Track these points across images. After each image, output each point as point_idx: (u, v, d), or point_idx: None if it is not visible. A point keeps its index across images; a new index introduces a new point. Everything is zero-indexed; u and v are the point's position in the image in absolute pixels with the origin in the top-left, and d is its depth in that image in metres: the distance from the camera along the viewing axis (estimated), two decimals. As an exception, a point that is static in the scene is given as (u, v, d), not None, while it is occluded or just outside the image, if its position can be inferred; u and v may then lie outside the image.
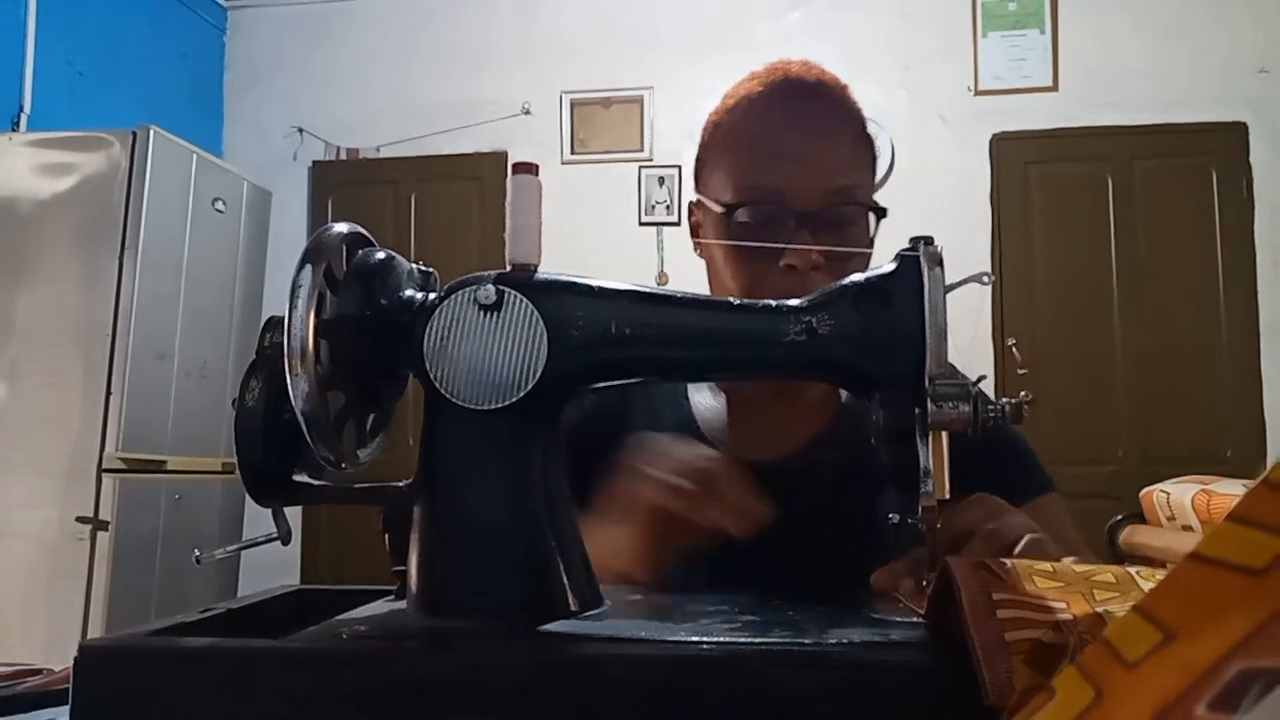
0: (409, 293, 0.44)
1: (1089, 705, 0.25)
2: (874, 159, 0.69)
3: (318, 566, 2.98)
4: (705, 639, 0.37)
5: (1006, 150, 2.99)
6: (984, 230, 2.97)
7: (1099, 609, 0.33)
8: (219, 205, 2.62)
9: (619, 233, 3.13)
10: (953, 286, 0.41)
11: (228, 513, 2.60)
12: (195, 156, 2.54)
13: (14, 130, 2.56)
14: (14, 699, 0.54)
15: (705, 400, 0.73)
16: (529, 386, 0.42)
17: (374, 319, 0.43)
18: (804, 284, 0.58)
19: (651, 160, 3.17)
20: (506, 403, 0.42)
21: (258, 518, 0.45)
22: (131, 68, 2.99)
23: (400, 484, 0.44)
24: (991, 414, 0.39)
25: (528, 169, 0.44)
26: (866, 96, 0.71)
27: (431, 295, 0.44)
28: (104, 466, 2.24)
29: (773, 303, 0.44)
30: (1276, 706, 0.21)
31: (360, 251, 0.45)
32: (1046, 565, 0.37)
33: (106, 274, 2.30)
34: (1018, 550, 0.44)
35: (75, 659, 0.37)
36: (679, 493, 0.53)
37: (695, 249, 0.73)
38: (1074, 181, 2.96)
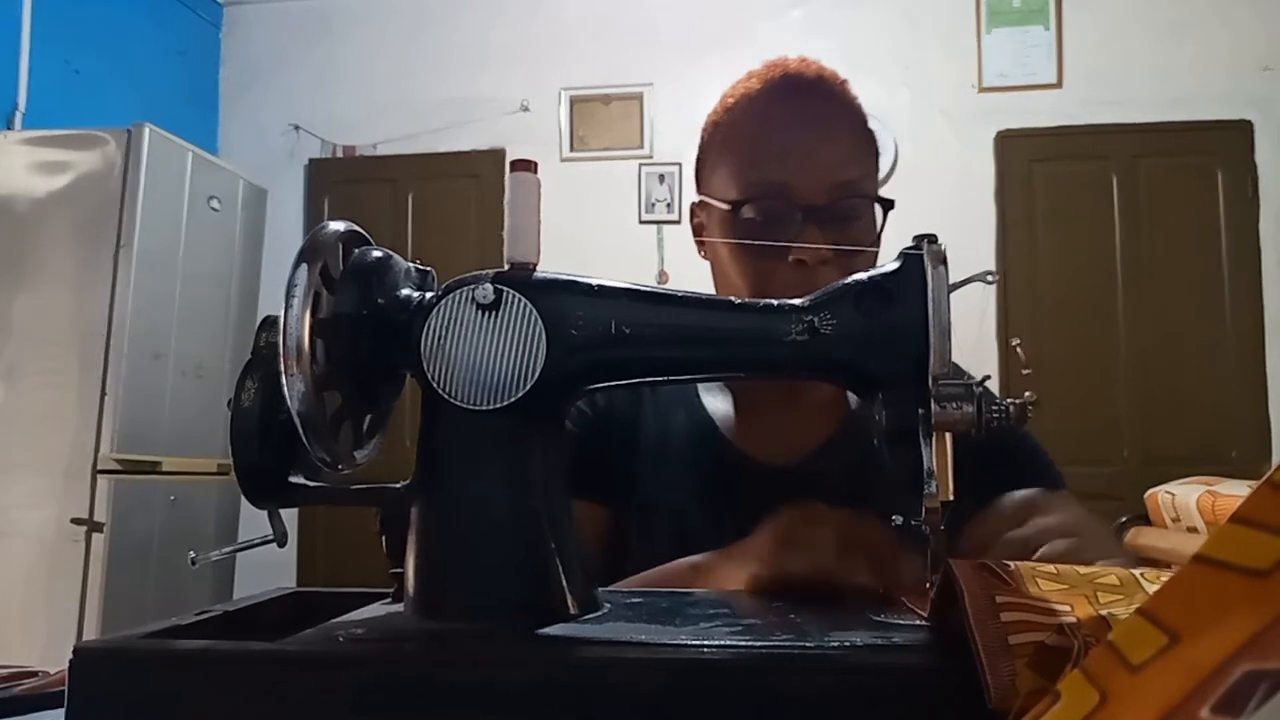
0: (406, 292, 0.44)
1: (1094, 709, 0.25)
2: (877, 153, 0.69)
3: (314, 568, 2.97)
4: (706, 642, 0.37)
5: (1010, 148, 2.99)
6: (988, 228, 2.97)
7: (1103, 611, 0.32)
8: (215, 203, 2.61)
9: (619, 231, 3.12)
10: (956, 285, 0.41)
11: (223, 514, 2.60)
12: (191, 154, 2.53)
13: (9, 128, 2.55)
14: (9, 701, 0.53)
15: (718, 400, 0.73)
16: (527, 386, 0.41)
17: (371, 318, 0.42)
18: (813, 279, 0.58)
19: (651, 158, 3.17)
20: (505, 403, 0.41)
21: (253, 519, 0.45)
22: (127, 65, 2.98)
23: (397, 485, 0.44)
24: (996, 414, 0.39)
25: (526, 167, 0.44)
26: (868, 94, 0.71)
27: (429, 294, 0.44)
28: (99, 467, 2.23)
29: (774, 302, 0.44)
30: (1283, 710, 0.20)
31: (357, 250, 0.44)
32: (1050, 568, 0.37)
33: (102, 273, 2.29)
34: (1042, 554, 0.44)
35: (70, 661, 0.36)
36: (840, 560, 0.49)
37: (700, 250, 0.72)
38: (1078, 179, 2.96)
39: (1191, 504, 0.52)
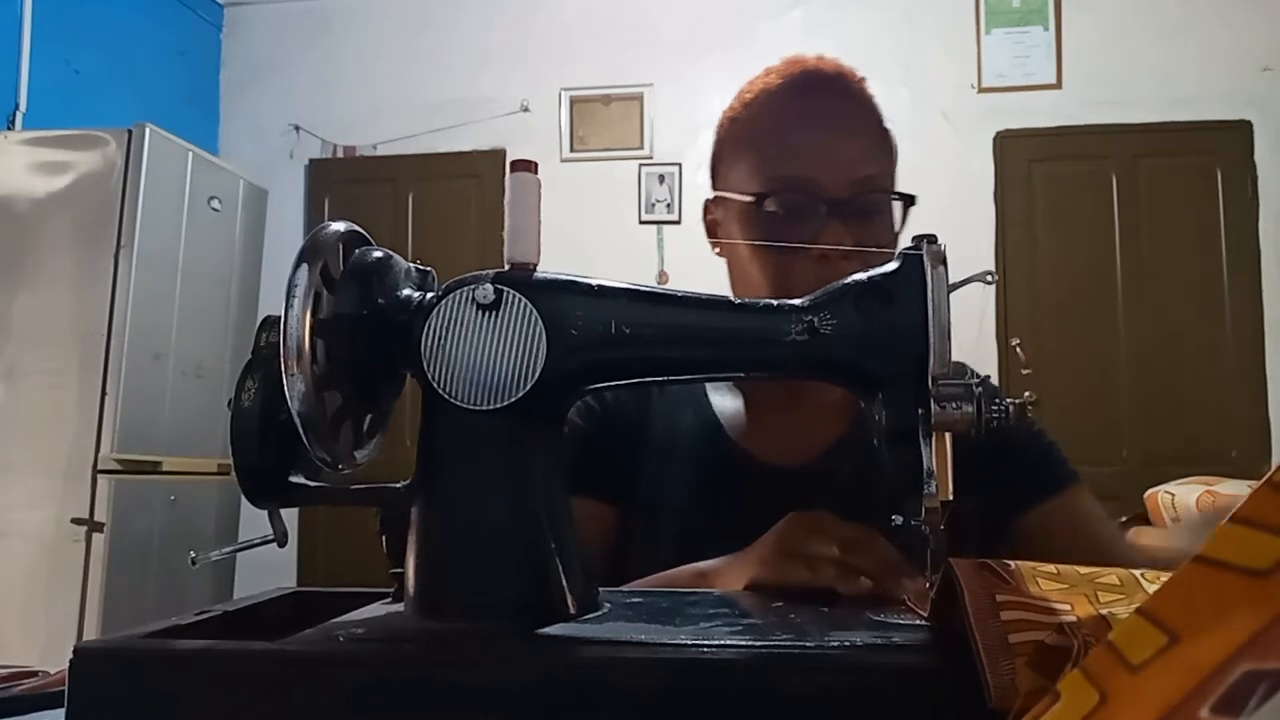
0: (406, 292, 0.44)
1: (1094, 709, 0.25)
2: (894, 151, 0.69)
3: (314, 568, 2.97)
4: (706, 642, 0.37)
5: (1010, 148, 2.98)
6: (987, 229, 2.97)
7: (1103, 611, 0.32)
8: (215, 204, 2.61)
9: (619, 231, 3.12)
10: (956, 285, 0.41)
11: (224, 514, 2.60)
12: (191, 155, 2.53)
13: (10, 128, 2.55)
14: (9, 701, 0.53)
15: (726, 400, 0.73)
16: (528, 386, 0.41)
17: (371, 318, 0.42)
18: (835, 274, 0.57)
19: (651, 158, 3.17)
20: (505, 403, 0.41)
21: (254, 519, 0.45)
22: (128, 65, 2.98)
23: (398, 485, 0.44)
24: (995, 414, 0.39)
25: (526, 167, 0.44)
26: (868, 94, 0.71)
27: (429, 294, 0.44)
28: (99, 468, 2.23)
29: (774, 302, 0.44)
30: (1283, 710, 0.21)
31: (357, 250, 0.44)
32: (1051, 567, 0.37)
33: (102, 273, 2.29)
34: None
35: (70, 661, 0.36)
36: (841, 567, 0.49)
37: (713, 248, 0.72)
38: (1078, 180, 2.96)
39: (1191, 504, 0.52)
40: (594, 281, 0.43)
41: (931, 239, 0.41)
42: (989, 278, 0.42)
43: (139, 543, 2.31)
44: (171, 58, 3.20)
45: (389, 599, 0.47)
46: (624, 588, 0.58)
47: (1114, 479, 2.62)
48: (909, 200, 0.66)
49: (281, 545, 0.44)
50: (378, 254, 0.44)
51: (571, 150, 3.20)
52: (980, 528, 0.64)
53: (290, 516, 0.46)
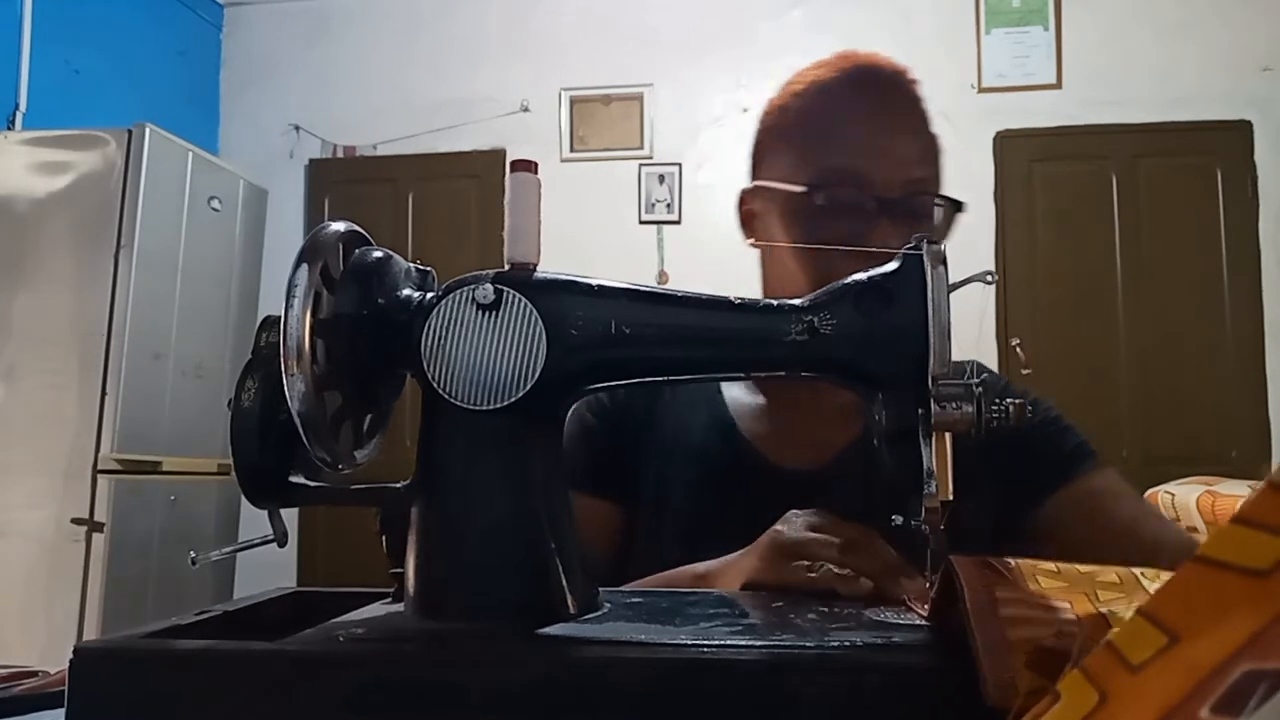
0: (406, 292, 0.44)
1: (1094, 709, 0.25)
2: (940, 156, 0.67)
3: (314, 568, 2.97)
4: (706, 642, 0.37)
5: (1010, 148, 2.98)
6: (987, 229, 2.97)
7: (1103, 609, 0.32)
8: (215, 204, 2.61)
9: (619, 231, 3.12)
10: (956, 285, 0.41)
11: (223, 514, 2.60)
12: (191, 155, 2.53)
13: (10, 128, 2.55)
14: (9, 701, 0.53)
15: (742, 397, 0.71)
16: (528, 386, 0.41)
17: (371, 318, 0.42)
18: None
19: (651, 158, 3.17)
20: (505, 403, 0.41)
21: (254, 519, 0.45)
22: (128, 65, 2.98)
23: (398, 485, 0.44)
24: (995, 414, 0.39)
25: (526, 167, 0.44)
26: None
27: (429, 294, 0.44)
28: (99, 468, 2.23)
29: (774, 302, 0.44)
30: (1283, 710, 0.21)
31: (357, 250, 0.44)
32: (1050, 565, 0.37)
33: (102, 273, 2.29)
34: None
35: (70, 661, 0.36)
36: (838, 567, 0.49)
37: (748, 239, 0.70)
38: (1078, 180, 2.96)
39: (1191, 504, 0.52)
40: (594, 281, 0.43)
41: (932, 239, 0.41)
42: (989, 278, 0.42)
43: (139, 543, 2.31)
44: (171, 58, 3.20)
45: (389, 599, 0.47)
46: (623, 588, 0.58)
47: (1114, 479, 2.62)
48: (958, 206, 0.65)
49: (281, 545, 0.44)
50: (378, 254, 0.44)
51: (571, 150, 3.20)
52: (997, 523, 0.63)
53: (290, 516, 0.46)
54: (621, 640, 0.38)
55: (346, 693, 0.35)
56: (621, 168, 3.17)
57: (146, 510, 2.35)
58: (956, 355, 0.41)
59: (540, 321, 0.41)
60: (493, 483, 0.43)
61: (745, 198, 0.71)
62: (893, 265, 0.43)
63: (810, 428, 0.68)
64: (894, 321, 0.41)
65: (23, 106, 2.60)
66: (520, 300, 0.42)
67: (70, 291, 2.31)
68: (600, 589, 0.46)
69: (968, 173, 2.98)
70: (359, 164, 3.31)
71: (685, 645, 0.36)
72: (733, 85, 3.05)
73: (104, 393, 2.25)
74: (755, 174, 0.70)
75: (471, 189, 3.21)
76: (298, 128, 3.33)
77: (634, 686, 0.34)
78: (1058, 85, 2.99)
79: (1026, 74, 3.00)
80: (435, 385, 0.42)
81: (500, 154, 3.17)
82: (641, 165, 3.17)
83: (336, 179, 3.32)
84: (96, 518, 2.21)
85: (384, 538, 0.45)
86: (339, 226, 0.44)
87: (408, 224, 3.24)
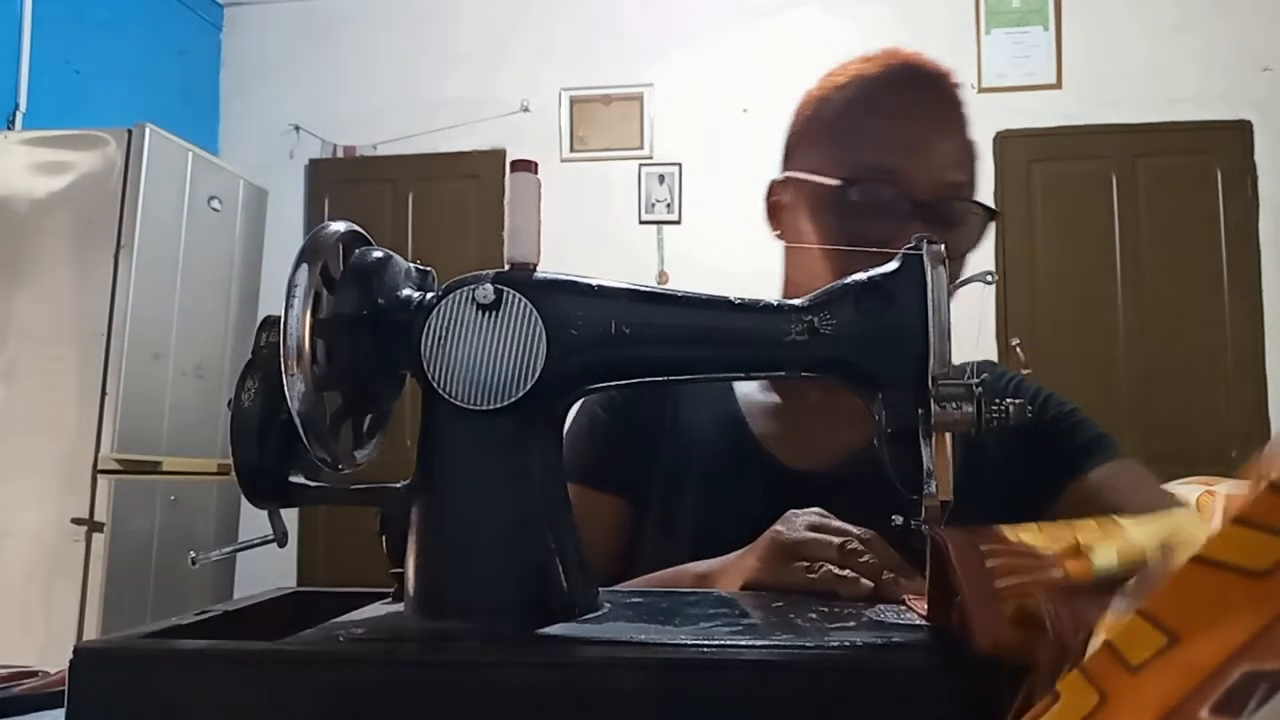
0: (406, 292, 0.44)
1: (1093, 709, 0.25)
2: (976, 162, 0.66)
3: (314, 568, 2.97)
4: (705, 642, 0.37)
5: (1010, 148, 2.99)
6: (987, 229, 2.97)
7: (1082, 545, 0.33)
8: (215, 204, 2.61)
9: (619, 231, 3.12)
10: (956, 285, 0.41)
11: (223, 514, 2.60)
12: (191, 155, 2.53)
13: (9, 128, 2.55)
14: (9, 701, 0.53)
15: (754, 396, 0.71)
16: (528, 386, 0.41)
17: (371, 318, 0.42)
18: None
19: (651, 158, 3.17)
20: (505, 403, 0.41)
21: (254, 519, 0.45)
22: (128, 65, 2.98)
23: (398, 485, 0.44)
24: (995, 414, 0.39)
25: (526, 167, 0.44)
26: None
27: (429, 294, 0.44)
28: (99, 468, 2.23)
29: (774, 301, 0.44)
30: (1283, 710, 0.21)
31: (357, 250, 0.44)
32: (1033, 525, 0.37)
33: (102, 273, 2.29)
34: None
35: (71, 661, 0.36)
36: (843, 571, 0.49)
37: (774, 230, 0.69)
38: (1078, 180, 2.96)
39: (1191, 504, 0.52)
40: (594, 281, 0.43)
41: (932, 239, 0.41)
42: (989, 278, 0.42)
43: (139, 543, 2.31)
44: (171, 58, 3.20)
45: (389, 599, 0.47)
46: (620, 587, 0.58)
47: (1114, 479, 2.62)
48: (992, 215, 0.64)
49: (281, 545, 0.44)
50: (378, 254, 0.44)
51: (571, 150, 3.20)
52: (1015, 517, 0.63)
53: (290, 516, 0.46)
54: (621, 640, 0.38)
55: (346, 692, 0.35)
56: (621, 168, 3.17)
57: (146, 510, 2.35)
58: (956, 355, 0.41)
59: (540, 321, 0.41)
60: (493, 483, 0.43)
61: (774, 188, 0.70)
62: (893, 265, 0.43)
63: (822, 429, 0.68)
64: (894, 321, 0.41)
65: (23, 106, 2.60)
66: (520, 300, 0.42)
67: (70, 291, 2.31)
68: (600, 589, 0.46)
69: (968, 173, 2.99)
70: (359, 164, 3.31)
71: (685, 645, 0.36)
72: (733, 85, 3.05)
73: (104, 393, 2.25)
74: (787, 165, 0.69)
75: (471, 189, 3.21)
76: (298, 128, 3.33)
77: (634, 687, 0.34)
78: (1058, 85, 2.99)
79: (1026, 74, 3.00)
80: (435, 385, 0.42)
81: (500, 154, 3.17)
82: (641, 165, 3.17)
83: (336, 179, 3.32)
84: (96, 518, 2.21)
85: (384, 538, 0.45)
86: (339, 226, 0.44)
87: (408, 224, 3.24)
